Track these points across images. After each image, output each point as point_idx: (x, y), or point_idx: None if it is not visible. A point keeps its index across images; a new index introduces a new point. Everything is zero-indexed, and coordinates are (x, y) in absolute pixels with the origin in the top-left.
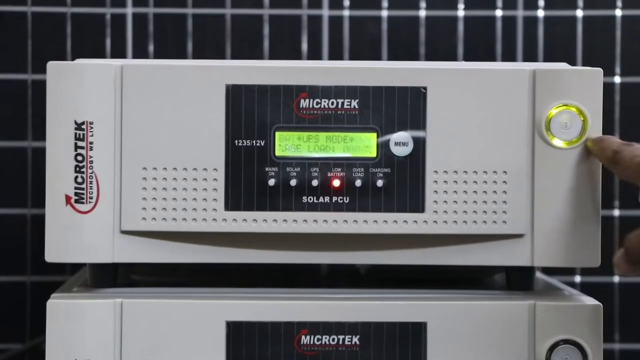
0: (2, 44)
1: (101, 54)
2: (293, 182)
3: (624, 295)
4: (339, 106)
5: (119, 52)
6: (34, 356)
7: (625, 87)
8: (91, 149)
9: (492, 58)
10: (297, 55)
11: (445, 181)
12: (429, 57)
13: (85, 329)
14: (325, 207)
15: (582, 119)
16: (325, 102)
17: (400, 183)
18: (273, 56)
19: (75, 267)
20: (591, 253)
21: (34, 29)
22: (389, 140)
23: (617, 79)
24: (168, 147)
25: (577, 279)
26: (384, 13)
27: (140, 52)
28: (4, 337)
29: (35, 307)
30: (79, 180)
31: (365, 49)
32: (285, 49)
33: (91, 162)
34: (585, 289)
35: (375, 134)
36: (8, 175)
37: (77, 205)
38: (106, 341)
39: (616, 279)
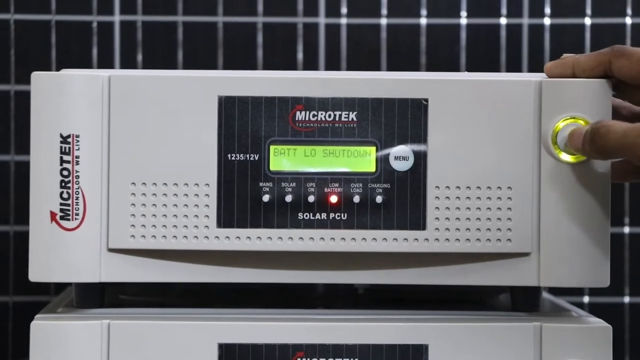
0: None
1: (87, 64)
2: (288, 198)
3: (634, 316)
4: (337, 119)
5: (106, 62)
6: None
7: None
8: (77, 163)
9: (496, 68)
10: (292, 65)
11: (447, 197)
12: (431, 67)
13: (70, 352)
14: (322, 225)
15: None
16: (322, 114)
17: (400, 199)
18: (267, 66)
19: (60, 287)
20: (600, 272)
21: (16, 37)
22: (388, 154)
23: None
24: (158, 161)
25: (586, 299)
26: (383, 21)
27: (128, 62)
28: None
29: (18, 329)
30: (65, 195)
31: (363, 59)
32: (280, 59)
33: (77, 177)
34: (594, 310)
35: (374, 148)
36: None
37: (63, 222)
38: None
39: (626, 299)
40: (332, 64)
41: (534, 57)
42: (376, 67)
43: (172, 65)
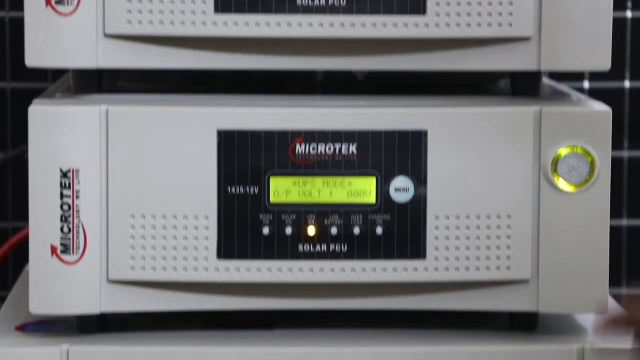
0: None
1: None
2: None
3: (634, 100)
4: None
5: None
6: (17, 166)
7: None
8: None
9: None
10: None
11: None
12: None
13: (69, 137)
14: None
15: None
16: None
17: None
18: None
19: (58, 74)
20: (601, 54)
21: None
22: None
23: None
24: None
25: (586, 84)
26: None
27: None
28: None
29: (16, 115)
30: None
31: None
32: None
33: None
34: (594, 95)
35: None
36: None
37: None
38: (91, 150)
39: (627, 83)
40: None
41: None
42: None
43: None
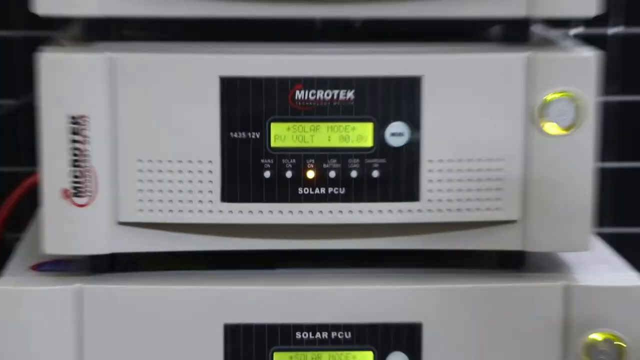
0: None
1: None
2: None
3: (627, 47)
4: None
5: None
6: (28, 113)
7: None
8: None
9: None
10: None
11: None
12: None
13: (77, 84)
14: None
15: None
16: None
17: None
18: None
19: (65, 23)
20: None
21: None
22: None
23: None
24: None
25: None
26: None
27: None
28: None
29: (26, 62)
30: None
31: None
32: None
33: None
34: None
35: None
36: None
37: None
38: (100, 97)
39: (612, 30)
40: None
41: None
42: None
43: None
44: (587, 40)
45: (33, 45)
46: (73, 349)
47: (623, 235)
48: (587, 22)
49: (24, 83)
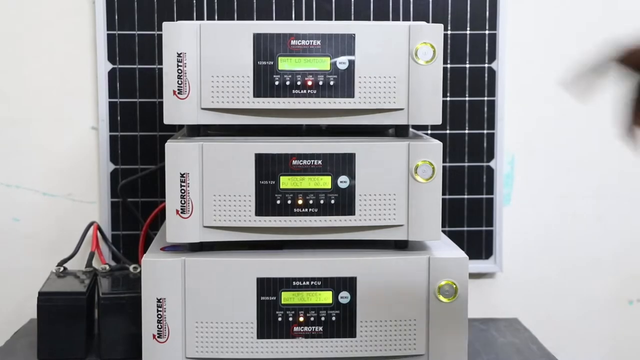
0: None
1: None
2: (288, 82)
3: (451, 137)
4: (312, 44)
5: None
6: (162, 172)
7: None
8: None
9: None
10: None
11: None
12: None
13: (184, 158)
14: (302, 90)
15: (433, 49)
16: (304, 41)
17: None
18: None
19: (180, 127)
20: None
21: None
22: (336, 61)
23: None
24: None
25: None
26: None
27: None
28: None
29: (161, 147)
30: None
31: None
32: None
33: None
34: (436, 137)
35: (328, 58)
36: None
37: None
38: (195, 163)
39: (447, 130)
40: None
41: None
42: None
43: None
44: (434, 136)
45: (164, 139)
46: (180, 296)
47: (453, 232)
48: (434, 126)
49: (159, 156)
